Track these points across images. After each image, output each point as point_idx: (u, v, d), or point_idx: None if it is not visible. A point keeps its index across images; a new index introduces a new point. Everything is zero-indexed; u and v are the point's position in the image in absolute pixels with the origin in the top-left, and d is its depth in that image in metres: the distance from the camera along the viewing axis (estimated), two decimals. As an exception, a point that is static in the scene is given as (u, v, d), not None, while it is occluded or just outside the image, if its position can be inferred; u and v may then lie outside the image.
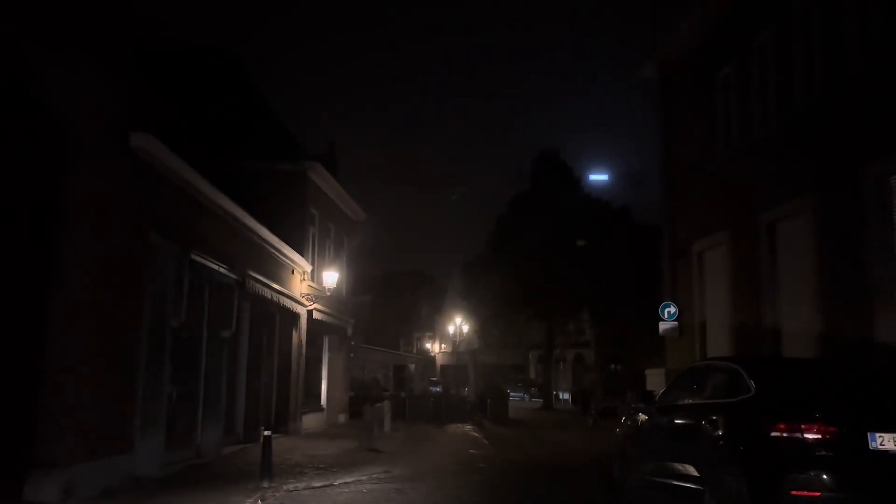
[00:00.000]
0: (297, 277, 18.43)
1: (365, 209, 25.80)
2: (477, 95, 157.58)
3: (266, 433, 9.83)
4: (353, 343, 22.13)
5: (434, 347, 68.99)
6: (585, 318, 44.45)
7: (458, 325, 41.82)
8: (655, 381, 16.59)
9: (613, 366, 38.74)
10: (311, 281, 19.76)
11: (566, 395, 42.86)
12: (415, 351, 60.73)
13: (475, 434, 20.71)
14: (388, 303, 73.68)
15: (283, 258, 17.14)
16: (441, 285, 73.24)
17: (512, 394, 42.89)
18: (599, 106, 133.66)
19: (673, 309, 16.01)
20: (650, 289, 49.79)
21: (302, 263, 18.56)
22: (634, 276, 45.03)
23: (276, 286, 15.67)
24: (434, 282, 76.04)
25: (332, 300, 22.18)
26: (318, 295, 19.12)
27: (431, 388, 34.51)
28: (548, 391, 36.64)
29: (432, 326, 71.63)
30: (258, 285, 14.12)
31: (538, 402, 38.41)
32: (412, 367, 45.18)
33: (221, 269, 12.52)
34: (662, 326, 16.00)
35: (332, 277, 18.77)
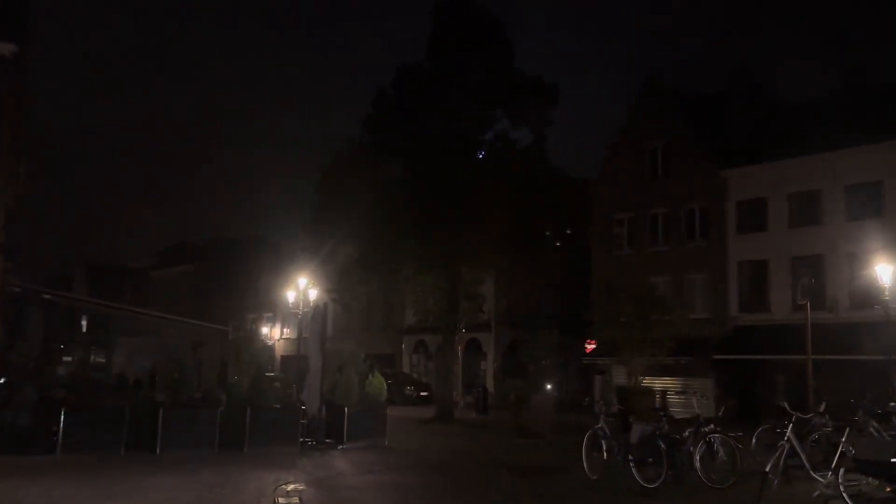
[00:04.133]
0: None
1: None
2: None
3: None
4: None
5: (274, 333, 52.56)
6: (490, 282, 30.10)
7: (303, 288, 25.30)
8: None
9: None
10: None
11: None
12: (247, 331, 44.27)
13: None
14: (215, 275, 58.20)
15: None
16: (286, 255, 56.95)
17: None
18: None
19: None
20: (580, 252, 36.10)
21: None
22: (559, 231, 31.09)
23: None
24: (278, 251, 59.65)
25: None
26: None
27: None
28: (448, 392, 21.77)
29: (273, 306, 54.93)
30: None
31: (419, 406, 23.46)
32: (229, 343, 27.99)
33: None
34: None
35: None
